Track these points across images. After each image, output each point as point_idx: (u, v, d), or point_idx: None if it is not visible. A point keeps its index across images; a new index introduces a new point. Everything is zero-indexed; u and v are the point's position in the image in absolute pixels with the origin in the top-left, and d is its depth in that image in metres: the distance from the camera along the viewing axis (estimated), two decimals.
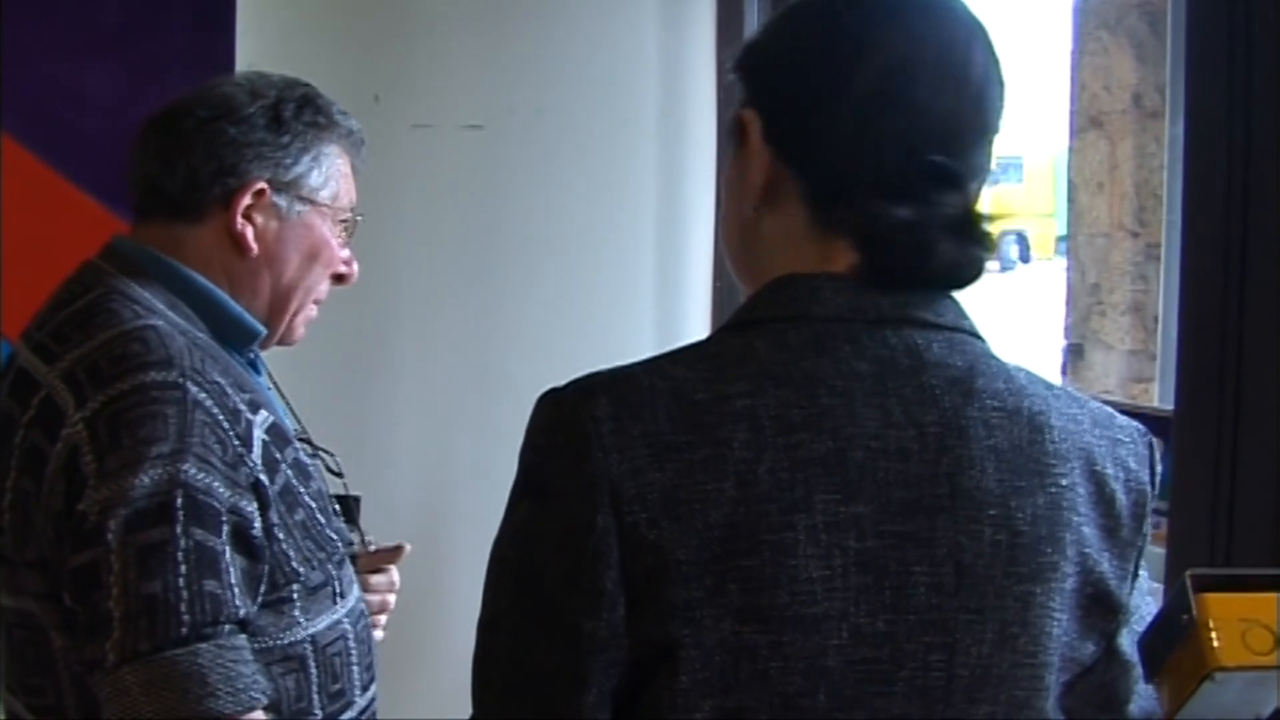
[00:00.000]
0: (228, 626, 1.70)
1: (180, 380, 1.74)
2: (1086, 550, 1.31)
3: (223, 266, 1.94)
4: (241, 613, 1.72)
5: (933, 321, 1.32)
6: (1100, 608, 1.34)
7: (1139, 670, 1.40)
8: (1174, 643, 1.25)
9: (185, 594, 1.67)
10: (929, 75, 1.32)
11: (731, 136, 1.41)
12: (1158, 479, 1.39)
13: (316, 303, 2.07)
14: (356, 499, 2.24)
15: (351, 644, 1.93)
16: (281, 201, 1.96)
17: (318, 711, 1.88)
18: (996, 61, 1.37)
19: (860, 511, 1.23)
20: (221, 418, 1.76)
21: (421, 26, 3.43)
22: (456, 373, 3.22)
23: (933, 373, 1.29)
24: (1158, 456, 1.39)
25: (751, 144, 1.37)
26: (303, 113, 1.98)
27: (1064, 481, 1.30)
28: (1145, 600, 1.42)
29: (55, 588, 1.74)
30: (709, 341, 1.34)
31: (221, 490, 1.72)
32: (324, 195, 2.00)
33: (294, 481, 1.86)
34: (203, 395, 1.75)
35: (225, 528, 1.72)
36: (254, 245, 1.94)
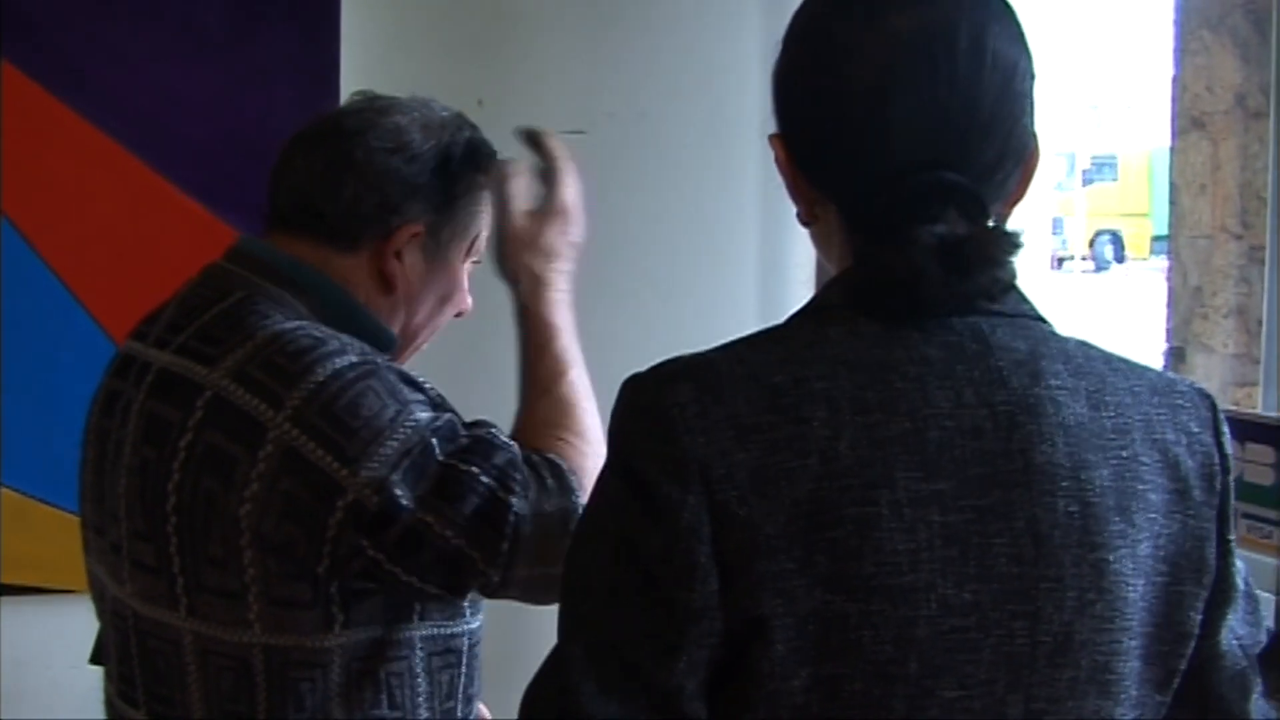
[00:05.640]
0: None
1: (362, 359, 1.78)
2: (1153, 515, 1.34)
3: (364, 296, 1.93)
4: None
5: (995, 309, 1.35)
6: (1184, 570, 1.36)
7: (1247, 679, 1.40)
8: None
9: (494, 483, 1.74)
10: (908, 80, 1.33)
11: None
12: (1225, 439, 1.40)
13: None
14: None
15: (479, 647, 1.94)
16: (433, 245, 1.95)
17: (459, 715, 1.90)
18: (1007, 35, 1.36)
19: (941, 488, 1.27)
20: (411, 378, 1.82)
21: (525, 32, 3.45)
22: None
23: (999, 355, 1.33)
24: (1221, 417, 1.41)
25: (781, 168, 1.45)
26: (469, 159, 1.97)
27: (1124, 454, 1.33)
28: (1248, 597, 1.43)
29: (250, 582, 1.75)
30: (781, 328, 1.38)
31: (446, 414, 1.80)
32: (471, 241, 2.01)
33: None
34: (386, 364, 1.80)
35: (462, 428, 1.80)
36: (399, 285, 1.94)
